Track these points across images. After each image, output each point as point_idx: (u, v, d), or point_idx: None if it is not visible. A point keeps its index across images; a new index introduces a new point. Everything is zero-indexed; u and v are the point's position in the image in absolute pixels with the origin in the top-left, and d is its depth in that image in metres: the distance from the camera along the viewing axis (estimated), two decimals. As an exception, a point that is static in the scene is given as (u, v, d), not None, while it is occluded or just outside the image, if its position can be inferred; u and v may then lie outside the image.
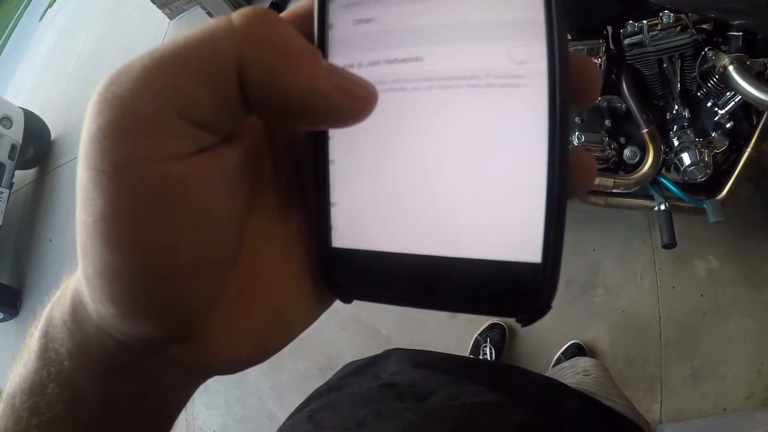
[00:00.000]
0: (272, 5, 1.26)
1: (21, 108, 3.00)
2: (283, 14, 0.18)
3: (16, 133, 2.84)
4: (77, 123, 3.21)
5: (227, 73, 0.13)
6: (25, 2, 7.13)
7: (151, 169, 0.13)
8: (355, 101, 0.15)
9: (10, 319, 2.76)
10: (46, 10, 5.75)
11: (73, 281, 0.16)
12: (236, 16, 0.14)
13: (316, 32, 0.17)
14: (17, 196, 3.08)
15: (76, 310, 0.16)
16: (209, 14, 2.72)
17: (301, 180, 0.20)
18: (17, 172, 2.91)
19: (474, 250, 0.16)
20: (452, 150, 0.16)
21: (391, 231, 0.17)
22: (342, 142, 0.18)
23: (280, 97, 0.14)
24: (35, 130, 3.05)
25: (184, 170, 0.13)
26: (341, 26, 0.17)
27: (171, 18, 3.08)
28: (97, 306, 0.15)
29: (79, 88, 3.43)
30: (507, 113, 0.16)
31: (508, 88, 0.16)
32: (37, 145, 3.09)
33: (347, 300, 0.19)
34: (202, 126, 0.14)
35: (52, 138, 3.25)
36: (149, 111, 0.13)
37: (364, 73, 0.16)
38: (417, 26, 0.16)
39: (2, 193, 2.72)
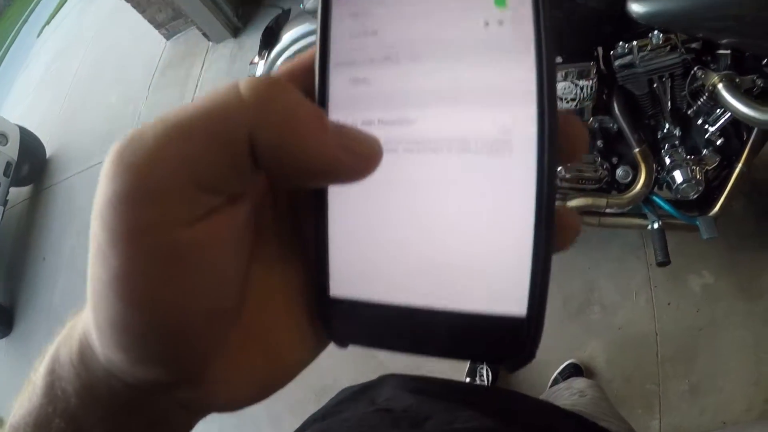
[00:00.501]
0: (267, 30, 1.27)
1: (17, 125, 3.01)
2: (282, 69, 0.19)
3: (11, 150, 2.85)
4: (73, 141, 3.21)
5: (239, 144, 0.14)
6: (23, 18, 7.18)
7: (163, 235, 0.14)
8: (359, 160, 0.16)
9: (3, 337, 2.73)
10: (43, 27, 5.80)
11: (81, 324, 0.17)
12: (245, 87, 0.14)
13: (317, 91, 0.18)
14: (11, 213, 3.07)
15: (84, 352, 0.16)
16: (205, 35, 2.75)
17: (301, 229, 0.20)
18: (12, 189, 2.91)
19: (464, 303, 0.17)
20: (443, 209, 0.17)
21: (385, 283, 0.18)
22: (340, 198, 0.18)
23: (290, 163, 0.15)
24: (31, 147, 3.06)
25: (194, 235, 0.14)
26: (339, 85, 0.18)
27: (167, 38, 3.10)
28: (106, 351, 0.15)
29: (75, 107, 3.44)
30: (496, 177, 0.16)
31: (496, 153, 0.16)
32: (32, 163, 3.10)
33: (343, 345, 0.19)
34: (212, 191, 0.14)
35: (47, 156, 3.25)
36: (162, 180, 0.13)
37: None
38: (410, 89, 0.17)
39: (-4, 210, 2.72)
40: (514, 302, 0.16)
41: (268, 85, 0.14)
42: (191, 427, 0.19)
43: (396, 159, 0.17)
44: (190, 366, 0.16)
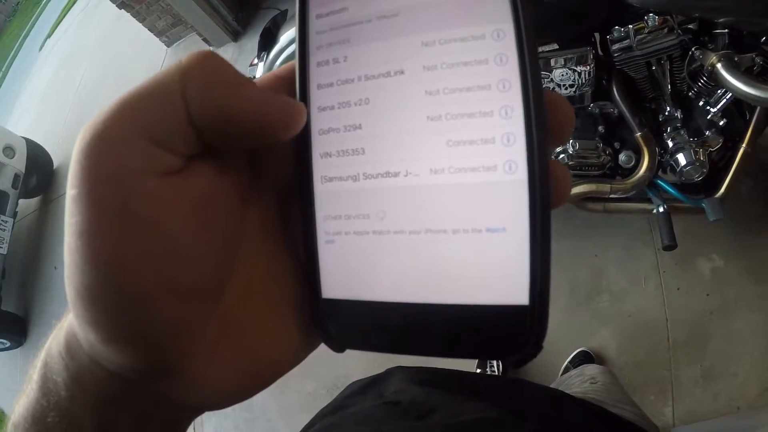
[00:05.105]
0: (265, 31, 1.28)
1: (23, 137, 3.04)
2: (267, 75, 0.20)
3: (19, 163, 2.88)
4: (78, 151, 3.25)
5: (175, 100, 0.16)
6: (24, 32, 7.26)
7: (120, 185, 0.15)
8: (283, 114, 0.17)
9: (17, 347, 2.76)
10: (45, 40, 5.85)
11: (69, 316, 0.17)
12: (185, 57, 0.16)
13: (297, 77, 0.19)
14: (21, 225, 3.11)
15: (70, 341, 0.17)
16: (205, 41, 2.76)
17: (291, 227, 0.20)
18: (21, 201, 2.94)
19: (463, 296, 0.16)
20: (436, 199, 0.17)
21: (380, 281, 0.17)
22: (329, 193, 0.18)
23: (216, 114, 0.16)
24: (38, 159, 3.09)
25: (149, 188, 0.15)
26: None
27: (168, 45, 3.12)
28: (83, 331, 0.16)
29: (79, 117, 3.46)
30: (483, 149, 0.16)
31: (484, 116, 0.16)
32: (40, 174, 3.13)
33: (340, 350, 0.19)
34: (161, 145, 0.15)
35: (54, 167, 3.28)
36: (117, 132, 0.15)
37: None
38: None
39: (6, 222, 2.75)
40: (514, 290, 0.15)
41: (203, 53, 0.16)
42: (185, 425, 0.19)
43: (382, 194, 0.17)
44: (159, 348, 0.15)
